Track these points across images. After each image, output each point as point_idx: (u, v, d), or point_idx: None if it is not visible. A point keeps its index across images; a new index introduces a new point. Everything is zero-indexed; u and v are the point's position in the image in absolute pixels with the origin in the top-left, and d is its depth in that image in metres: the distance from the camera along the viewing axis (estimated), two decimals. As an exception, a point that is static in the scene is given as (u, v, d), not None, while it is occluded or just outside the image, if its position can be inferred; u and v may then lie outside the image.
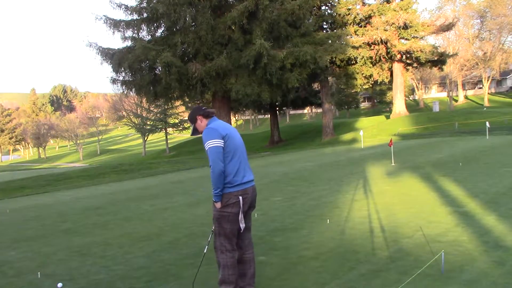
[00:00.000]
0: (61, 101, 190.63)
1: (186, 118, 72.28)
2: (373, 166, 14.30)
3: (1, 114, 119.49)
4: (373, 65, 45.29)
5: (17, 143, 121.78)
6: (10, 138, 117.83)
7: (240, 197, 4.08)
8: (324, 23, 43.91)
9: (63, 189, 16.94)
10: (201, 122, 4.29)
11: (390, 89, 61.26)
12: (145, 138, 76.71)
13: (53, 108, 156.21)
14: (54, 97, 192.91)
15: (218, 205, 4.07)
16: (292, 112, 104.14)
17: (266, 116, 69.25)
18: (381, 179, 11.35)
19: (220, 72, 27.54)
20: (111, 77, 31.26)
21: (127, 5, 29.90)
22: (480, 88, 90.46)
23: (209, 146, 4.02)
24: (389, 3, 44.40)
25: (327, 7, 44.04)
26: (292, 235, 6.49)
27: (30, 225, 9.29)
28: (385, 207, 7.88)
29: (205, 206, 9.47)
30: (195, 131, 4.38)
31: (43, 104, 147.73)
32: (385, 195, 9.12)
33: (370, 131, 38.17)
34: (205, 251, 4.40)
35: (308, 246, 5.86)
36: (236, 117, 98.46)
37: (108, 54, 30.19)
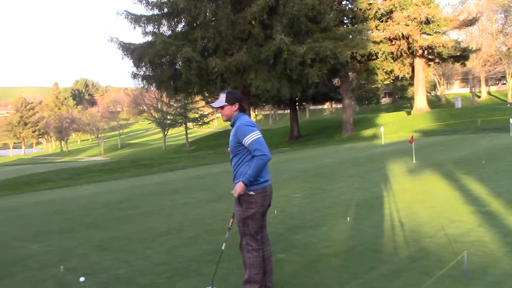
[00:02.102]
0: (82, 95, 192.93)
1: (206, 112, 72.57)
2: (394, 163, 14.18)
3: (24, 108, 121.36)
4: (394, 61, 44.82)
5: (40, 136, 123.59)
6: (34, 132, 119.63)
7: (261, 196, 4.08)
8: (345, 18, 43.54)
9: (84, 183, 17.15)
10: (233, 109, 4.20)
11: (412, 84, 60.57)
12: (165, 133, 77.17)
13: (75, 102, 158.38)
14: (76, 91, 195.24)
15: (242, 188, 4.01)
16: (312, 107, 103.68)
17: (286, 111, 69.09)
18: (402, 176, 11.24)
19: (240, 67, 27.57)
20: (132, 72, 31.54)
21: (148, 0, 30.10)
22: (504, 84, 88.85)
23: (256, 136, 3.99)
24: (411, -2, 43.81)
25: (348, 2, 43.68)
26: (312, 233, 6.47)
27: (52, 218, 9.42)
28: (406, 205, 7.80)
29: (225, 202, 9.49)
30: (219, 108, 4.24)
31: (66, 98, 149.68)
32: (406, 193, 9.03)
33: (390, 127, 37.82)
34: (223, 248, 4.40)
35: (328, 244, 5.84)
36: (256, 112, 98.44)
37: (129, 49, 30.46)
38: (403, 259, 5.04)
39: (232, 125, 4.23)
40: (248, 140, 4.00)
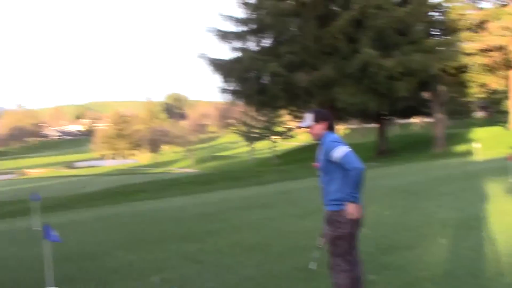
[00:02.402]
0: (173, 109, 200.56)
1: (293, 126, 72.78)
2: (491, 181, 13.38)
3: (120, 121, 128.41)
4: (488, 73, 42.45)
5: (135, 148, 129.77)
6: (129, 143, 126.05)
7: None
8: (435, 29, 42.00)
9: (176, 195, 17.82)
10: (321, 128, 4.20)
11: (508, 97, 57.06)
12: (252, 146, 78.21)
13: (166, 115, 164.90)
14: (168, 105, 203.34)
15: (354, 207, 3.96)
16: (400, 121, 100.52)
17: (373, 125, 67.54)
18: (500, 196, 10.60)
19: (326, 81, 27.49)
20: (221, 87, 32.45)
21: (235, 17, 30.97)
22: None
23: (345, 150, 3.97)
24: (505, 7, 41.37)
25: (437, 13, 42.09)
26: (404, 254, 6.27)
27: (147, 229, 9.87)
28: (506, 228, 7.33)
29: (313, 218, 9.41)
30: (306, 127, 4.27)
31: (157, 112, 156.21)
32: (506, 214, 8.49)
33: (486, 143, 35.75)
34: (310, 267, 4.37)
35: (422, 266, 5.61)
36: (342, 127, 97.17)
37: (218, 65, 31.42)
38: (504, 286, 4.75)
39: (321, 144, 4.23)
40: (337, 155, 3.97)
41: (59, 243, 5.50)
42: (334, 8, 29.73)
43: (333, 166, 4.07)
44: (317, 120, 4.22)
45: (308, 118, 4.26)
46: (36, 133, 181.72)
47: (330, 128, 4.25)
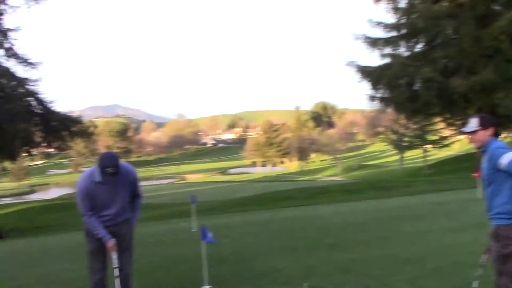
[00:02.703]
0: (321, 117, 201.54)
1: (446, 134, 68.70)
2: None
3: (270, 130, 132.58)
4: None
5: (283, 155, 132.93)
6: (278, 151, 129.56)
7: None
8: None
9: (324, 202, 17.85)
10: (486, 134, 3.92)
11: None
12: (402, 155, 75.47)
13: (314, 124, 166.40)
14: (315, 113, 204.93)
15: None
16: None
17: (542, 133, 60.92)
18: None
19: (486, 86, 25.50)
20: (369, 94, 31.76)
21: (385, 23, 30.15)
22: None
23: None
24: None
25: None
26: None
27: (295, 235, 10.00)
28: None
29: (472, 232, 8.74)
30: (470, 133, 4.00)
31: (306, 120, 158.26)
32: None
33: None
34: (473, 286, 4.05)
35: None
36: (502, 135, 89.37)
37: (366, 72, 30.83)
38: None
39: (484, 152, 3.92)
40: (504, 161, 3.65)
41: (214, 245, 5.80)
42: (495, 7, 27.52)
43: (499, 175, 3.75)
44: (484, 125, 3.95)
45: (473, 123, 4.00)
46: (194, 141, 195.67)
47: (495, 135, 3.94)
